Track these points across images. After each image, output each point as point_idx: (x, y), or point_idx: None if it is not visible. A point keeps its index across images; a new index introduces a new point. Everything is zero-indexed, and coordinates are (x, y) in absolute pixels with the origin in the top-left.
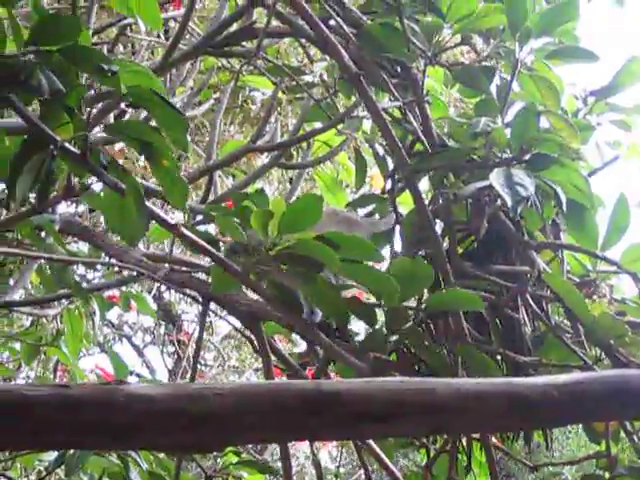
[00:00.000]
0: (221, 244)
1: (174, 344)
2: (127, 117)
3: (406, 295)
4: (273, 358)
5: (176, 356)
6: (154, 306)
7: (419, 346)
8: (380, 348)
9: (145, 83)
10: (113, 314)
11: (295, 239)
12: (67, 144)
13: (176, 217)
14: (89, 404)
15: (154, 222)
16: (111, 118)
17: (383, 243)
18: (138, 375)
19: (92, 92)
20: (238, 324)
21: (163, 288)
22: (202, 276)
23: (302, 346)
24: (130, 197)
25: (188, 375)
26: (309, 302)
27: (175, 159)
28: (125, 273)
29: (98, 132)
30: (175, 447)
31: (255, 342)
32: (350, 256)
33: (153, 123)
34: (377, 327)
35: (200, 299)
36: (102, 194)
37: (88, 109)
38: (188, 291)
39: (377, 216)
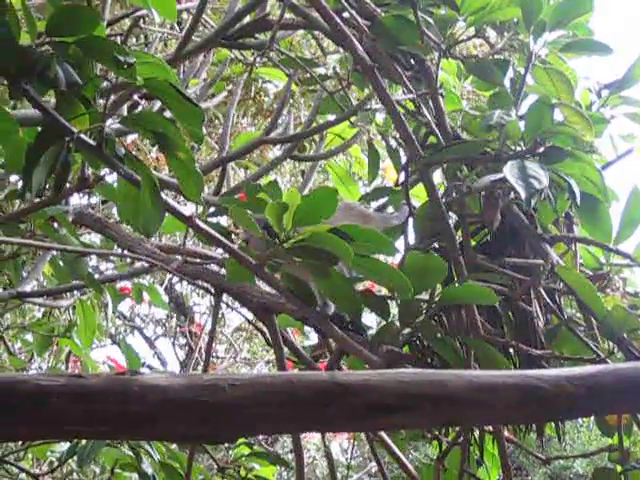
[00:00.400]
0: (234, 236)
1: (186, 336)
2: (140, 109)
3: (419, 289)
4: (285, 350)
5: (188, 348)
6: (166, 298)
7: (432, 339)
8: (393, 341)
9: (159, 75)
10: (125, 306)
11: (309, 232)
12: (83, 135)
13: (188, 209)
14: (104, 394)
15: (167, 214)
16: (124, 110)
17: (396, 236)
18: (149, 367)
19: (106, 83)
20: (250, 316)
21: (175, 280)
22: (215, 268)
23: (314, 339)
24: (145, 189)
25: (200, 367)
26: (322, 295)
27: (190, 151)
28: (138, 264)
29: (112, 124)
30: (189, 437)
31: (267, 334)
32: (364, 250)
33: (168, 114)
34: (390, 320)
35: (213, 291)
36: (116, 186)
37: (103, 100)
38: (201, 283)
39: (390, 209)
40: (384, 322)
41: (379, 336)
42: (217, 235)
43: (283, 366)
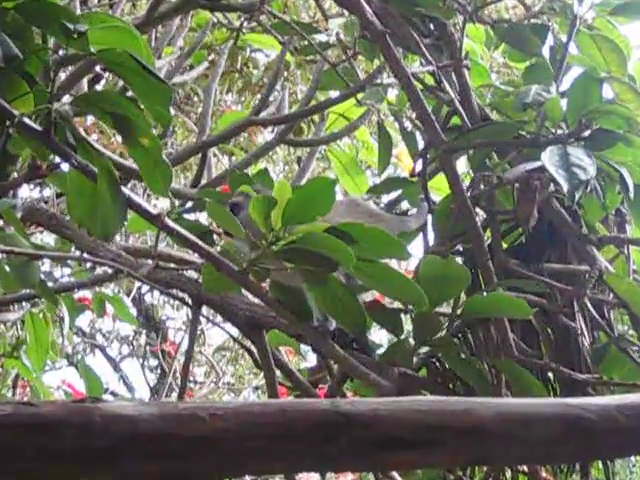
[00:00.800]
0: (215, 236)
1: (157, 356)
2: (103, 83)
3: (438, 299)
4: (277, 374)
5: (160, 371)
6: (134, 311)
7: (454, 360)
8: (407, 362)
9: (125, 42)
10: (84, 320)
11: (303, 231)
12: (27, 119)
13: (160, 203)
14: (61, 426)
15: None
16: (84, 84)
17: (413, 236)
18: (114, 394)
19: (60, 53)
20: (236, 332)
21: (145, 289)
22: (193, 274)
23: (312, 360)
24: (103, 182)
25: (174, 394)
26: (320, 307)
27: (156, 136)
28: (100, 270)
29: (63, 104)
30: (161, 478)
31: (256, 354)
32: (370, 253)
33: (131, 93)
34: (403, 337)
35: (190, 302)
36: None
37: (53, 74)
38: (176, 292)
39: (405, 204)
40: (396, 339)
41: (390, 356)
42: (190, 237)
43: (275, 392)
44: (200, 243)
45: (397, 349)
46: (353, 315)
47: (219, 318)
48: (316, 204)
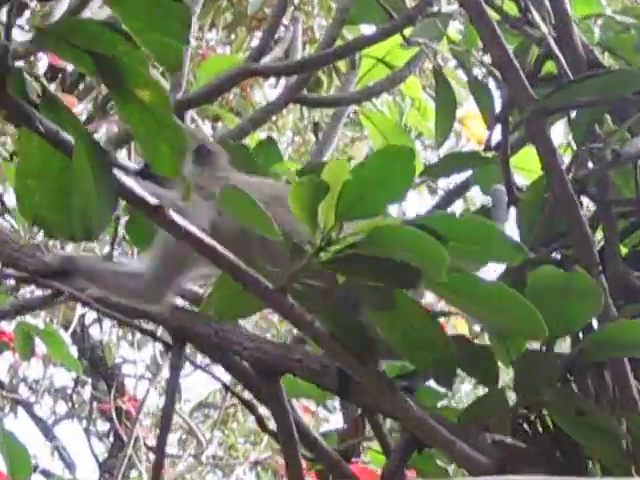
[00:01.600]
0: None
1: (109, 418)
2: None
3: (556, 331)
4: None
5: (113, 439)
6: (74, 350)
7: (570, 421)
8: (504, 425)
9: None
10: (2, 364)
11: (367, 229)
12: None
13: None
14: None
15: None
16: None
17: None
18: (45, 473)
19: None
20: (229, 379)
21: (91, 318)
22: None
23: (337, 420)
24: (82, 157)
25: (134, 474)
26: (386, 341)
27: (163, 86)
28: (27, 292)
29: (19, 44)
30: None
31: (258, 412)
32: (472, 257)
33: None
34: (497, 387)
35: (167, 338)
36: (17, 157)
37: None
38: (140, 323)
39: (475, 191)
40: (487, 391)
41: (478, 416)
42: (208, 240)
43: (298, 474)
44: (221, 249)
45: (490, 405)
46: (436, 351)
47: (199, 357)
48: (388, 187)
